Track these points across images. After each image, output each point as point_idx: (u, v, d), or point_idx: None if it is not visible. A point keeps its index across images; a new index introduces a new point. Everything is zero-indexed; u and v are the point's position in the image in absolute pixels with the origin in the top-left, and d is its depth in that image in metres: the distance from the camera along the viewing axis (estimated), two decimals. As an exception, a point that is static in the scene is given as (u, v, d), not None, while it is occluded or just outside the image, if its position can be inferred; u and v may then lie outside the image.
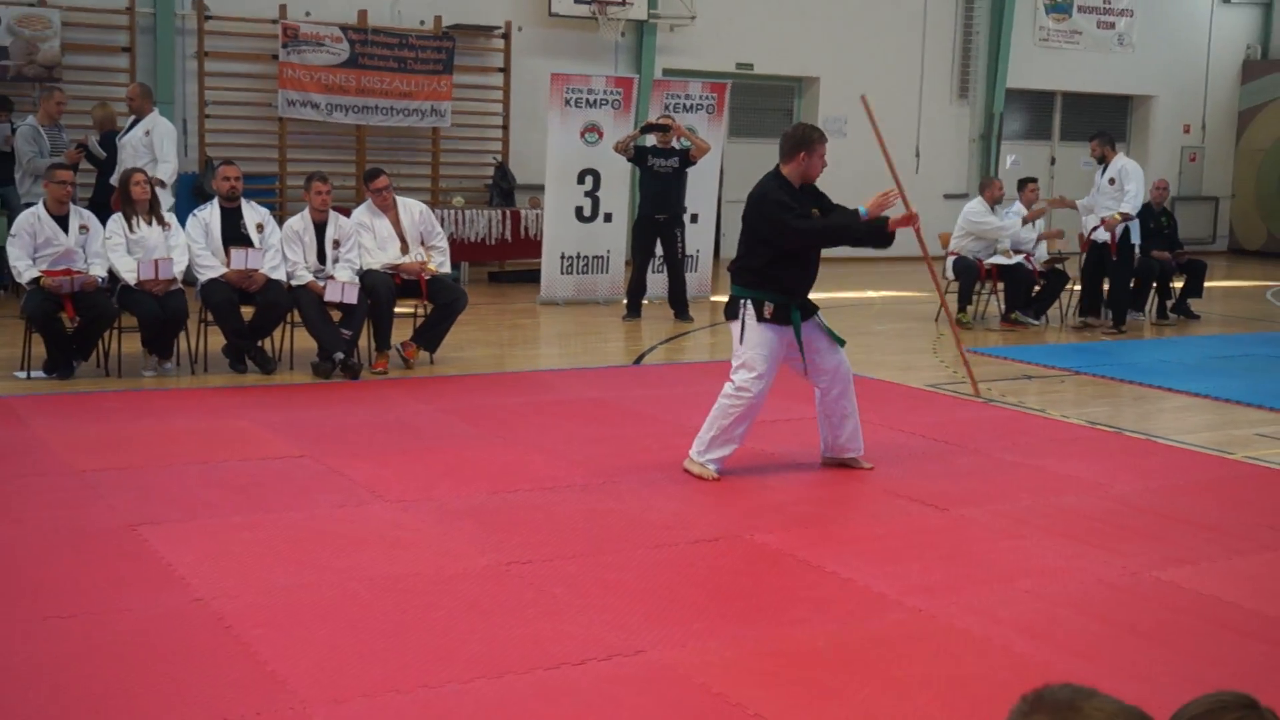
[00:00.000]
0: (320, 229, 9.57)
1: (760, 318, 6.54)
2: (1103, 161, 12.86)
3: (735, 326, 6.65)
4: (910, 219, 6.80)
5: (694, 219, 13.97)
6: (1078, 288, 13.64)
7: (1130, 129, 23.03)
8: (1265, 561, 5.57)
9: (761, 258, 6.59)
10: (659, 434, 7.68)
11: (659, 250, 13.01)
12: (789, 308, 6.57)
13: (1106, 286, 13.03)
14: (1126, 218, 12.56)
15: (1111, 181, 12.68)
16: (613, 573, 5.11)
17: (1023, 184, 13.20)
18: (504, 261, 15.98)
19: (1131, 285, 13.53)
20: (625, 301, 13.06)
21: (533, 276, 14.71)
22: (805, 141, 6.59)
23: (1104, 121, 22.52)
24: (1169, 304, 13.92)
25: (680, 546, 5.49)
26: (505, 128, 16.79)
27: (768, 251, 6.57)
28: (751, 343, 6.57)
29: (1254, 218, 23.40)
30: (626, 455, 7.11)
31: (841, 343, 6.76)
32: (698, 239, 14.12)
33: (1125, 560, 5.49)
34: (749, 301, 6.56)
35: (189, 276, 9.45)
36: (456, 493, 6.23)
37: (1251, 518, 6.25)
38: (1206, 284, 14.30)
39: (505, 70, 16.76)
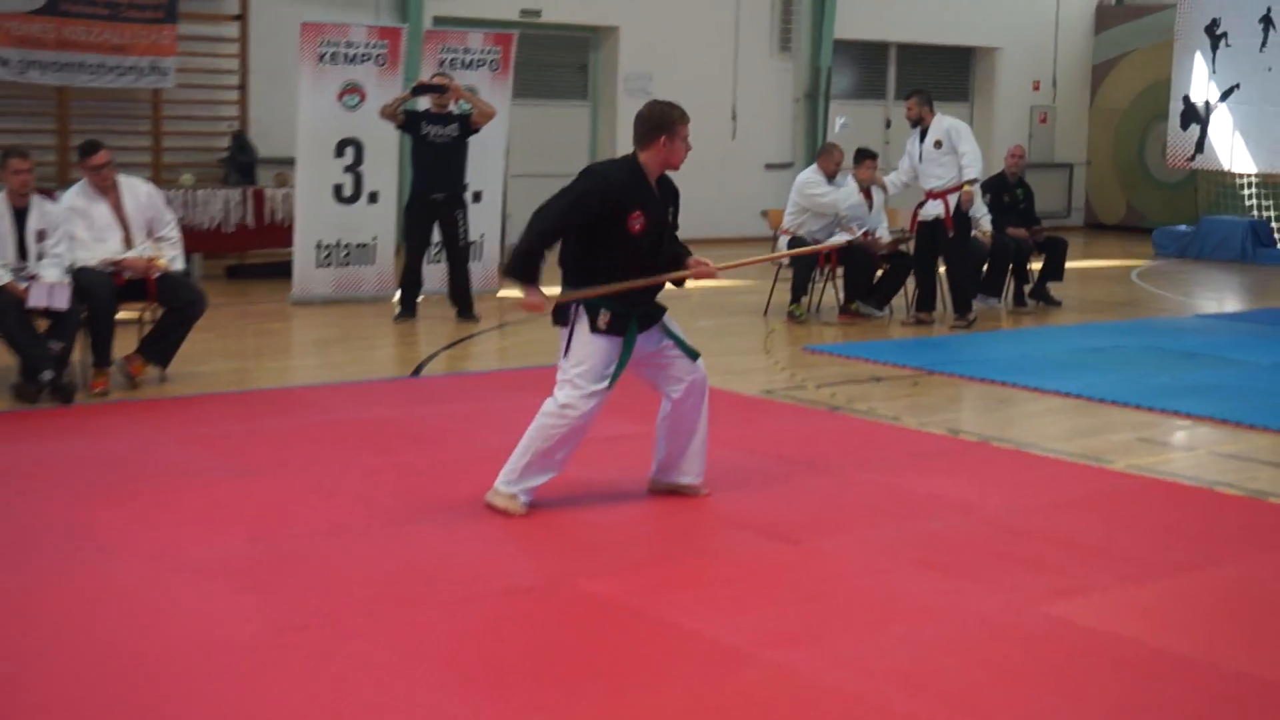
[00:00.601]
0: (20, 217, 9.19)
1: (594, 328, 6.49)
2: (919, 124, 12.98)
3: (563, 334, 6.59)
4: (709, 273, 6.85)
5: (477, 198, 13.88)
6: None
7: (973, 85, 23.76)
8: (1164, 590, 5.76)
9: (585, 259, 6.54)
10: (451, 461, 7.60)
11: (436, 236, 12.88)
12: (627, 318, 6.54)
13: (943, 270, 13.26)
14: (974, 185, 12.81)
15: (938, 145, 12.84)
16: (409, 636, 5.01)
17: (860, 158, 13.44)
18: (245, 252, 15.64)
19: (985, 268, 13.93)
20: (397, 299, 12.90)
21: (282, 270, 14.41)
22: (665, 123, 6.53)
23: (944, 77, 23.21)
24: (1026, 289, 14.37)
25: (489, 600, 5.42)
26: (243, 89, 16.44)
27: (595, 253, 6.51)
28: (581, 355, 6.52)
29: (1112, 187, 24.38)
30: (414, 489, 7.01)
31: (694, 356, 6.76)
32: (482, 222, 14.03)
33: (1007, 594, 5.61)
34: (582, 308, 6.51)
35: None
36: (208, 542, 6.05)
37: (1142, 538, 6.46)
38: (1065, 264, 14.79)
39: (242, 18, 16.41)
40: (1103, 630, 5.24)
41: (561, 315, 6.61)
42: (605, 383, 6.55)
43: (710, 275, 6.88)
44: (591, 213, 6.43)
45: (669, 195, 6.70)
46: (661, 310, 6.75)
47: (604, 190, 6.45)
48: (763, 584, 5.71)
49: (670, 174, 6.71)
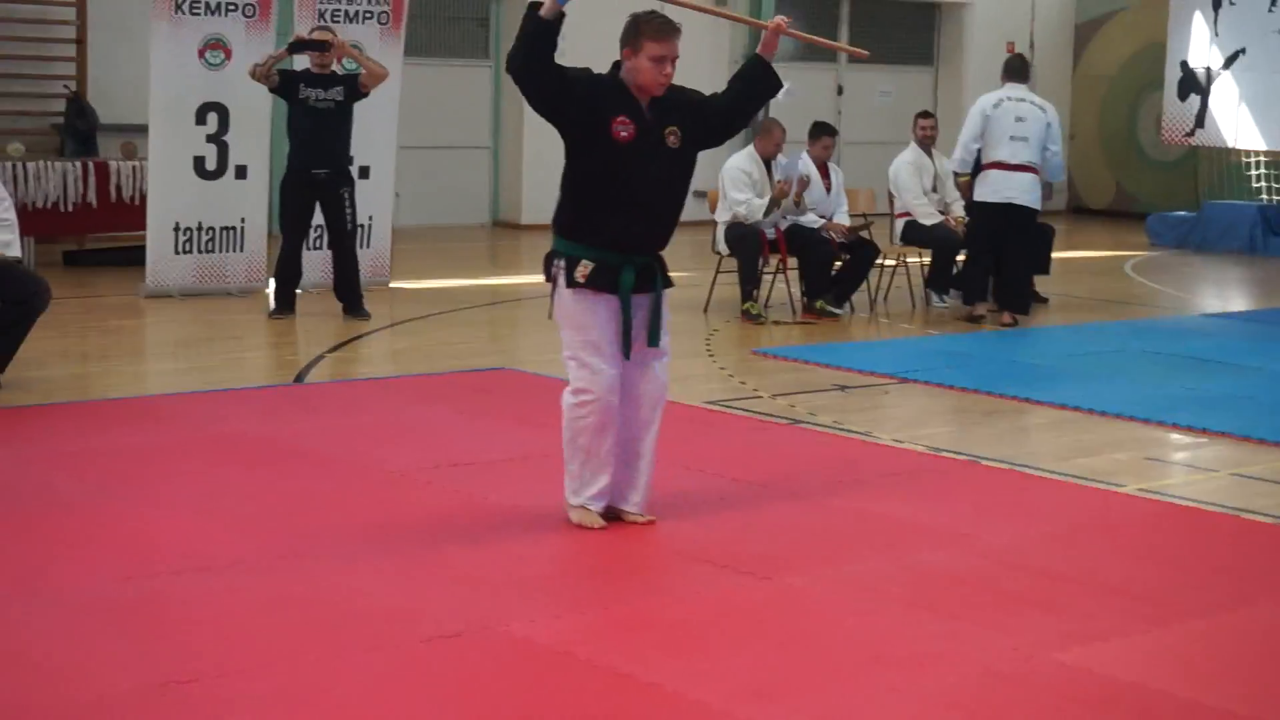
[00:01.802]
0: None
1: (570, 281, 6.58)
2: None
3: (550, 294, 6.71)
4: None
5: (364, 173, 13.82)
6: (890, 263, 14.08)
7: (938, 47, 24.00)
8: (1194, 632, 5.81)
9: (571, 192, 6.70)
10: (349, 482, 7.56)
11: (317, 218, 12.81)
12: (618, 269, 6.60)
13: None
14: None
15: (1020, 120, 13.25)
16: (315, 691, 4.97)
17: (817, 134, 13.50)
18: (85, 236, 15.50)
19: (959, 260, 14.06)
20: (272, 292, 12.82)
21: (132, 257, 14.30)
22: (626, 34, 6.66)
23: (905, 37, 23.41)
24: (1010, 284, 14.48)
25: (408, 647, 5.38)
26: (80, 43, 16.31)
27: (579, 178, 6.67)
28: (569, 321, 6.64)
29: (1099, 166, 24.68)
30: (310, 515, 6.96)
31: (654, 340, 6.81)
32: (371, 202, 13.98)
33: (1013, 638, 5.64)
34: (561, 259, 6.60)
35: None
36: (71, 581, 5.98)
37: (1163, 572, 6.52)
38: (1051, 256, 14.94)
39: (80, -41, 16.26)
40: (1126, 680, 5.27)
41: (546, 271, 6.71)
42: (610, 346, 6.64)
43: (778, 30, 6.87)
44: (569, 85, 6.54)
45: (670, 116, 6.69)
46: (662, 274, 6.79)
47: (588, 78, 6.61)
48: (727, 627, 5.69)
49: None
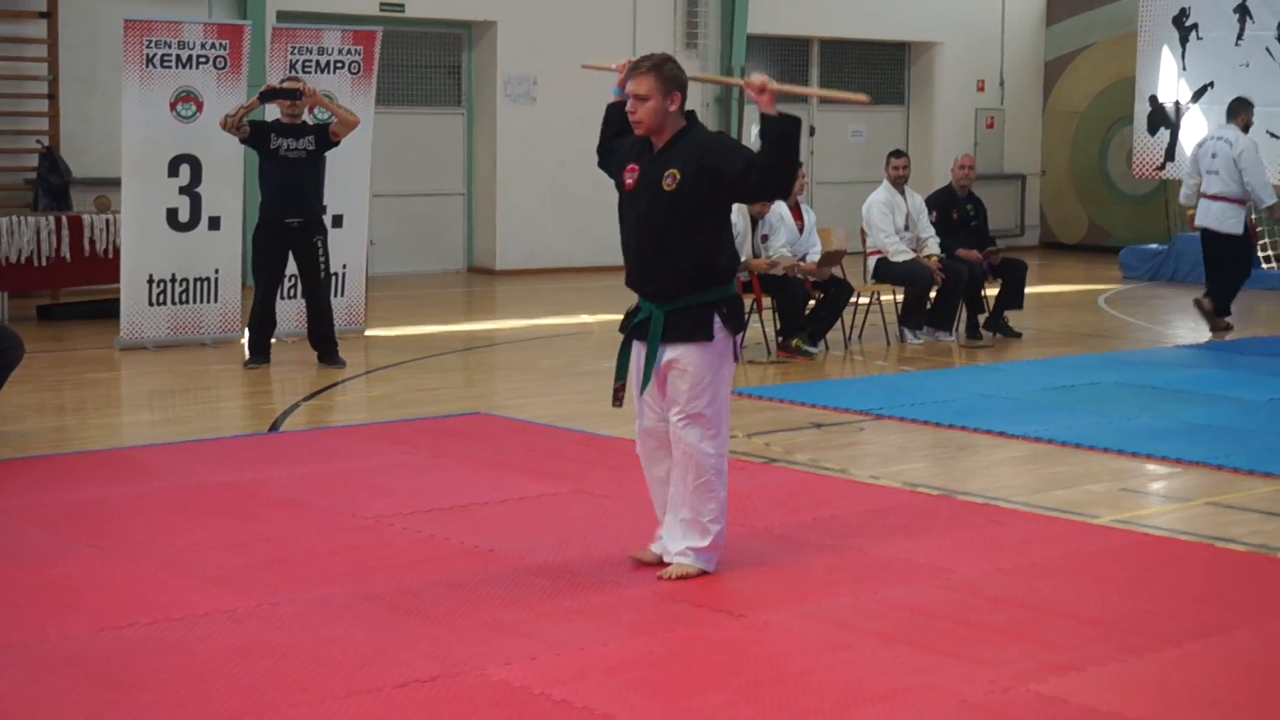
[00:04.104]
0: None
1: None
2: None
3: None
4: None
5: (337, 222, 13.82)
6: (864, 300, 14.06)
7: (909, 86, 24.09)
8: (1172, 661, 5.81)
9: None
10: (324, 530, 7.55)
11: (290, 267, 12.80)
12: (634, 314, 6.76)
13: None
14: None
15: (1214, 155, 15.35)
16: (293, 737, 4.94)
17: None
18: (59, 290, 15.47)
19: (931, 295, 14.09)
20: (246, 342, 12.80)
21: (106, 310, 14.29)
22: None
23: (876, 77, 23.49)
24: (982, 319, 14.53)
25: (384, 693, 5.36)
26: (53, 97, 16.33)
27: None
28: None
29: (1070, 201, 24.78)
30: (285, 564, 6.95)
31: (641, 388, 6.79)
32: (345, 250, 13.99)
33: (990, 670, 5.64)
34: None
35: None
36: (47, 632, 5.96)
37: (1139, 603, 6.52)
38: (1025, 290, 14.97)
39: (50, 15, 16.32)
40: (1105, 710, 5.27)
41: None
42: (639, 398, 6.77)
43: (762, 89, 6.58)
44: (610, 155, 6.98)
45: (675, 159, 6.64)
46: (682, 327, 6.66)
47: (630, 138, 6.84)
48: (704, 666, 5.69)
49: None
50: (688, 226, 6.61)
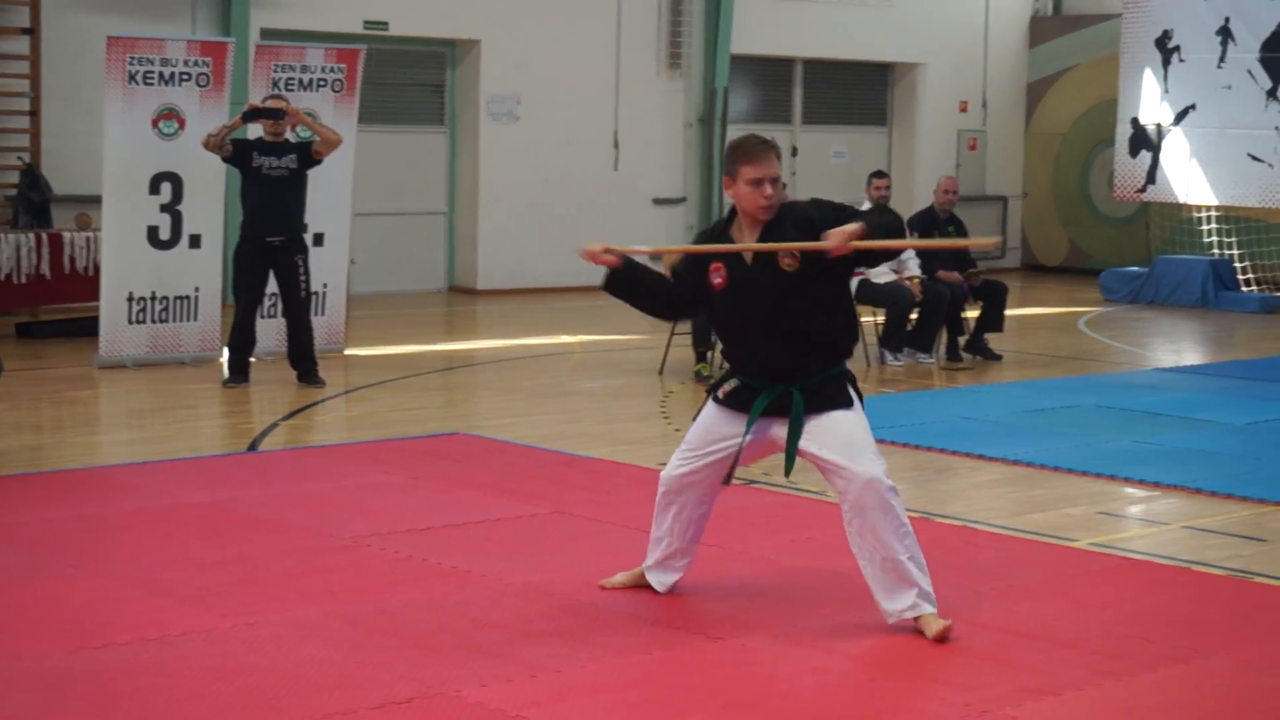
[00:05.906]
0: None
1: (715, 395, 6.72)
2: None
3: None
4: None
5: (318, 241, 13.81)
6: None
7: (891, 107, 24.13)
8: (1149, 686, 5.83)
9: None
10: (302, 550, 7.54)
11: (271, 286, 12.80)
12: (754, 394, 6.54)
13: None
14: None
15: None
16: (267, 759, 4.94)
17: None
18: (39, 308, 15.42)
19: (911, 317, 14.12)
20: (226, 360, 12.80)
21: (85, 328, 14.25)
22: (725, 165, 6.63)
23: (858, 98, 23.54)
24: (962, 341, 14.54)
25: (359, 714, 5.36)
26: (34, 114, 16.28)
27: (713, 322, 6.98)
28: (695, 423, 6.80)
29: (1052, 224, 24.82)
30: (262, 584, 6.95)
31: (786, 471, 6.85)
32: (326, 269, 13.97)
33: (966, 694, 5.66)
34: (723, 380, 6.78)
35: None
36: (21, 651, 5.96)
37: (1116, 627, 6.53)
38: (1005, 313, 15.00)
39: (33, 33, 16.25)
40: (1080, 734, 5.29)
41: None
42: (696, 459, 6.71)
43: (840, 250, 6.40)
44: (685, 289, 6.80)
45: (786, 239, 6.45)
46: (827, 395, 6.58)
47: (694, 256, 6.79)
48: (683, 690, 5.70)
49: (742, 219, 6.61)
50: (816, 302, 6.54)
